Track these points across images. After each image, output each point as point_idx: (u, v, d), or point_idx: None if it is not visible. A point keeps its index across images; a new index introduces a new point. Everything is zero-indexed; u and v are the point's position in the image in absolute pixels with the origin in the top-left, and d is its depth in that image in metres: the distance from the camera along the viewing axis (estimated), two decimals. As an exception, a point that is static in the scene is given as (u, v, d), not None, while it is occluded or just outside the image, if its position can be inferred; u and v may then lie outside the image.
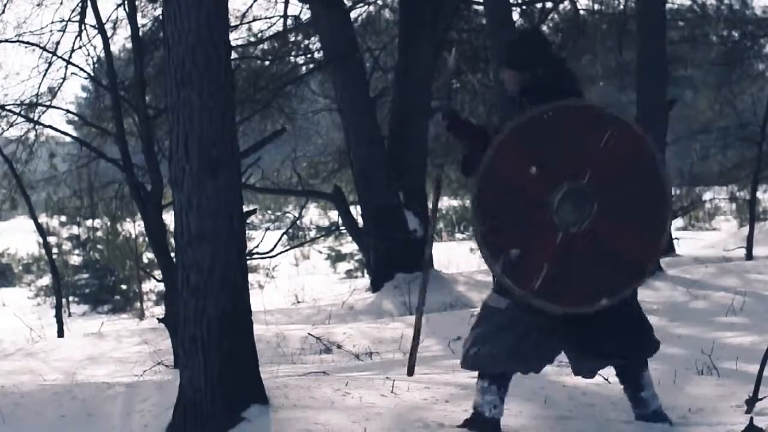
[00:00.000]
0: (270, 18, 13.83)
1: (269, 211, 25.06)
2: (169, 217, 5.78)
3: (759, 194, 16.16)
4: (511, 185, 3.79)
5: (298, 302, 13.93)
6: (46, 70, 10.69)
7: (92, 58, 10.84)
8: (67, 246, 19.83)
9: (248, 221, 4.71)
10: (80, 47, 10.31)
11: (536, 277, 3.76)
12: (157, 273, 11.14)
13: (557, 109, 3.82)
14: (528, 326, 3.91)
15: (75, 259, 19.34)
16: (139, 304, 17.22)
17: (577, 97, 4.00)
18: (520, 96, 4.02)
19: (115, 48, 12.93)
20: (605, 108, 3.90)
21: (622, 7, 14.78)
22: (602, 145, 3.78)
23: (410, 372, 4.61)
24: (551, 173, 3.77)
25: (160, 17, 6.19)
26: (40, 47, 10.15)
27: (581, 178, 3.77)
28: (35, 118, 10.49)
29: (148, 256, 17.38)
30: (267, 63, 13.78)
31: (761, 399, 4.35)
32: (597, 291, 3.81)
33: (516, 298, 3.82)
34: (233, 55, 6.80)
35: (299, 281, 17.02)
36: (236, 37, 13.33)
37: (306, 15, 13.65)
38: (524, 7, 14.83)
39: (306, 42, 14.44)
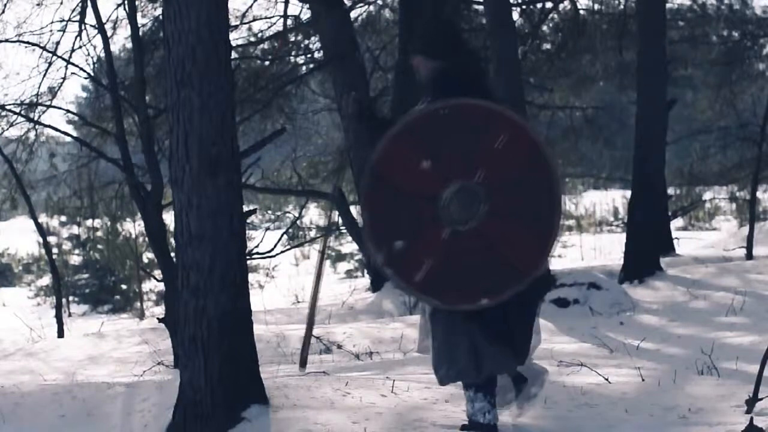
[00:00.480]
0: (270, 18, 13.84)
1: (269, 211, 25.03)
2: (169, 217, 5.78)
3: (759, 194, 16.16)
4: (401, 178, 3.77)
5: (298, 302, 13.93)
6: (46, 70, 10.69)
7: (92, 58, 10.84)
8: (67, 246, 19.82)
9: (248, 221, 4.71)
10: (80, 47, 10.31)
11: (418, 271, 3.75)
12: (157, 273, 11.15)
13: (455, 107, 3.79)
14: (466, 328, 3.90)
15: (75, 259, 19.33)
16: (139, 304, 17.22)
17: (484, 94, 3.94)
18: (430, 85, 3.96)
19: (115, 48, 12.93)
20: (504, 109, 3.87)
21: (622, 7, 14.79)
22: (497, 146, 3.76)
23: (303, 364, 4.53)
24: (443, 169, 3.76)
25: (160, 17, 6.18)
26: (40, 47, 10.15)
27: (473, 177, 3.75)
28: (35, 118, 10.48)
29: (148, 256, 17.36)
30: (267, 63, 13.77)
31: (761, 399, 4.35)
32: (479, 290, 3.80)
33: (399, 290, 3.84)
34: (233, 55, 6.79)
35: (299, 281, 17.02)
36: (236, 37, 13.34)
37: (306, 15, 13.65)
38: (524, 7, 14.82)
39: (306, 42, 14.44)
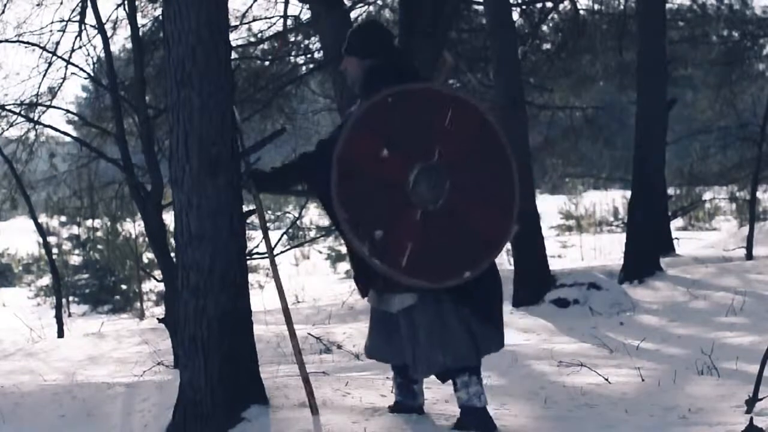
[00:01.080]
0: (270, 18, 13.83)
1: (269, 211, 25.05)
2: (169, 217, 5.78)
3: (759, 194, 16.18)
4: (365, 170, 3.88)
5: (298, 302, 13.93)
6: (46, 70, 10.67)
7: (92, 58, 10.82)
8: (67, 246, 19.83)
9: (248, 221, 4.69)
10: (80, 47, 10.29)
11: (402, 255, 3.85)
12: (157, 273, 11.15)
13: (399, 93, 3.90)
14: (390, 322, 4.08)
15: (75, 259, 19.34)
16: (139, 304, 17.22)
17: (416, 81, 4.08)
18: (363, 82, 4.10)
19: (115, 48, 12.93)
20: (443, 88, 4.01)
21: (622, 7, 14.79)
22: (447, 123, 3.89)
23: (314, 411, 4.32)
24: (402, 154, 3.87)
25: (160, 17, 6.18)
26: (40, 47, 10.13)
27: (432, 157, 3.88)
28: (35, 118, 10.47)
29: (148, 256, 17.37)
30: (267, 63, 13.77)
31: (761, 399, 4.35)
32: (459, 265, 3.90)
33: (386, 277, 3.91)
34: (233, 55, 6.78)
35: (299, 281, 17.02)
36: (236, 37, 13.33)
37: (306, 15, 13.64)
38: (524, 7, 14.82)
39: (306, 42, 14.44)
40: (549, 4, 14.98)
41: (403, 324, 4.03)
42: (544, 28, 15.50)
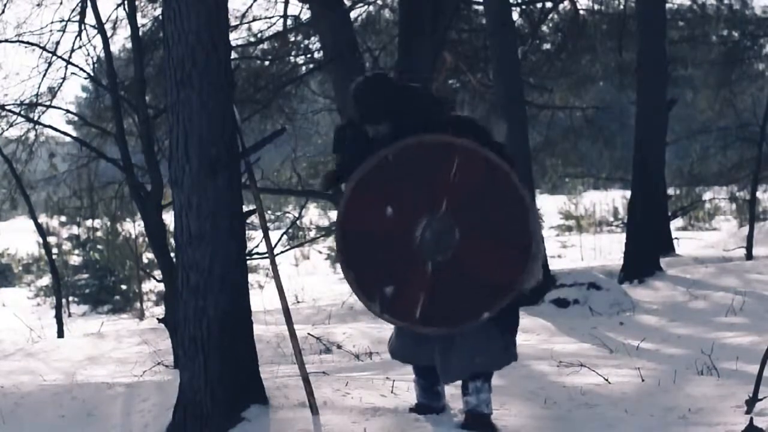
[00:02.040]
0: (270, 18, 13.83)
1: (269, 211, 25.04)
2: (169, 217, 5.78)
3: (759, 194, 16.17)
4: (371, 228, 3.90)
5: (298, 302, 13.92)
6: (46, 70, 10.67)
7: (92, 58, 10.81)
8: (67, 246, 19.83)
9: (248, 221, 4.69)
10: (80, 47, 10.29)
11: (415, 307, 3.88)
12: (157, 273, 11.14)
13: (399, 149, 3.88)
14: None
15: (75, 259, 19.33)
16: (139, 305, 17.22)
17: (445, 124, 3.96)
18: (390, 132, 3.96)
19: (115, 48, 12.93)
20: (449, 138, 3.89)
21: (622, 7, 14.78)
22: (453, 173, 3.84)
23: (314, 411, 4.34)
24: (407, 210, 3.87)
25: (160, 17, 6.17)
26: (40, 47, 10.12)
27: (439, 209, 3.86)
28: (35, 118, 10.47)
29: (148, 256, 17.37)
30: (267, 63, 13.77)
31: (761, 399, 4.35)
32: (477, 308, 3.91)
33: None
34: (233, 55, 6.78)
35: (299, 281, 17.02)
36: (236, 37, 13.33)
37: (306, 15, 13.65)
38: (524, 7, 14.82)
39: (306, 42, 14.44)
40: (549, 4, 14.99)
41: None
42: (544, 28, 15.50)
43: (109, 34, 8.75)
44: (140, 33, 8.18)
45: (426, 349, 4.08)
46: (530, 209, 3.91)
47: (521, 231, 3.88)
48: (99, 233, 18.62)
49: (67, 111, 10.55)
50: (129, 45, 9.92)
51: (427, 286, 3.88)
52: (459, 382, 4.13)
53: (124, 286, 18.40)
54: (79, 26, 10.19)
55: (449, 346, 3.97)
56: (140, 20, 10.90)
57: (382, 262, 3.91)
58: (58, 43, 10.79)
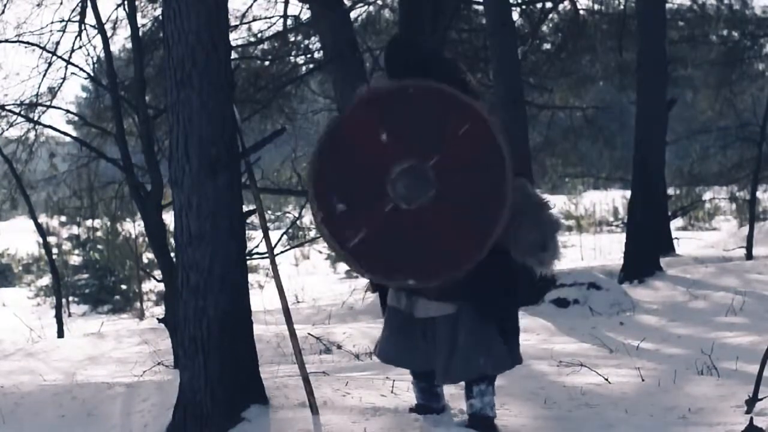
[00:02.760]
0: (270, 18, 13.84)
1: (269, 211, 25.04)
2: (169, 217, 5.78)
3: (759, 194, 16.19)
4: (358, 143, 3.81)
5: (298, 302, 13.93)
6: (46, 70, 10.68)
7: (92, 58, 10.84)
8: (67, 246, 19.82)
9: (248, 221, 4.69)
10: (80, 47, 10.30)
11: (353, 237, 3.78)
12: (157, 273, 11.13)
13: (424, 88, 3.80)
14: (412, 327, 4.02)
15: (75, 259, 19.32)
16: (139, 304, 17.21)
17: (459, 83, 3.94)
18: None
19: (115, 48, 12.93)
20: (474, 102, 3.84)
21: (622, 7, 14.79)
22: (460, 133, 3.76)
23: (314, 411, 4.31)
24: (399, 146, 3.78)
25: (160, 17, 6.18)
26: (40, 47, 10.13)
27: (428, 160, 3.77)
28: (35, 118, 10.47)
29: (148, 256, 17.36)
30: (267, 63, 13.77)
31: (761, 399, 4.35)
32: (407, 271, 3.82)
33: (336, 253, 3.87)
34: (233, 55, 6.78)
35: (299, 281, 17.02)
36: (236, 37, 13.33)
37: (306, 15, 13.65)
38: (524, 7, 14.83)
39: (306, 42, 14.44)
40: (549, 4, 14.99)
41: (442, 329, 3.97)
42: (544, 28, 15.50)
43: (109, 34, 8.75)
44: (140, 33, 8.19)
45: (422, 354, 4.05)
46: (506, 201, 3.77)
47: (492, 218, 3.77)
48: (99, 233, 18.61)
49: (67, 111, 10.57)
50: (129, 45, 9.92)
51: (376, 224, 3.78)
52: (460, 383, 4.12)
53: (124, 286, 18.40)
54: (79, 26, 10.20)
55: (452, 348, 3.95)
56: (140, 20, 10.91)
57: (349, 178, 3.81)
58: (58, 43, 10.80)
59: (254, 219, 4.79)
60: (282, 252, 8.16)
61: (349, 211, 3.79)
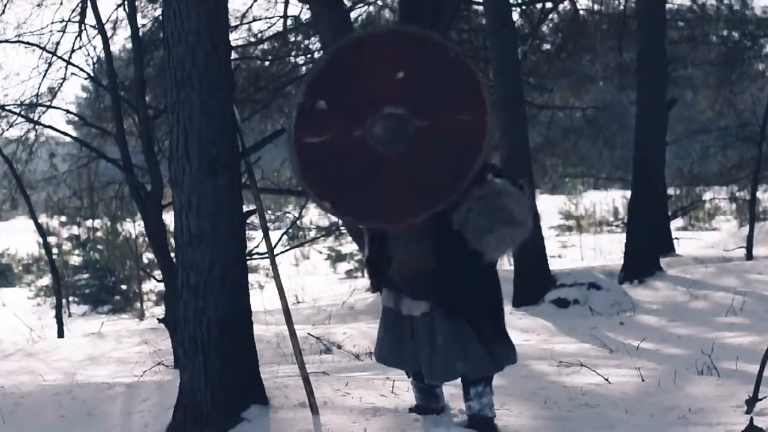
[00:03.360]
0: (270, 18, 13.84)
1: (269, 211, 25.06)
2: (169, 217, 5.78)
3: (759, 194, 16.18)
4: (372, 66, 3.81)
5: (298, 302, 13.93)
6: (46, 71, 10.68)
7: (92, 58, 10.85)
8: (67, 246, 19.83)
9: (248, 221, 4.69)
10: (80, 47, 10.31)
11: (313, 136, 3.80)
12: (157, 273, 11.14)
13: (465, 63, 3.81)
14: (402, 326, 4.04)
15: (75, 260, 19.33)
16: (139, 305, 17.22)
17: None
18: None
19: (115, 48, 12.95)
20: (486, 92, 3.84)
21: (622, 7, 14.78)
22: (457, 119, 3.78)
23: (314, 411, 4.32)
24: (405, 91, 3.79)
25: (160, 17, 6.17)
26: (40, 47, 10.13)
27: (417, 118, 3.79)
28: (35, 118, 10.48)
29: (148, 256, 17.37)
30: (267, 63, 13.77)
31: (761, 399, 4.35)
32: (333, 194, 3.86)
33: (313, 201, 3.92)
34: (233, 55, 6.78)
35: (299, 281, 17.02)
36: (236, 37, 13.34)
37: (306, 15, 13.65)
38: (524, 7, 14.82)
39: (306, 42, 14.44)
40: (549, 4, 14.98)
41: (421, 328, 3.99)
42: (544, 28, 15.50)
43: (109, 34, 8.76)
44: (140, 33, 8.18)
45: (411, 353, 4.06)
46: (458, 191, 3.80)
47: (439, 196, 3.79)
48: (99, 233, 18.62)
49: (67, 111, 10.56)
50: (129, 45, 9.93)
51: (338, 139, 3.80)
52: (461, 384, 4.12)
53: (124, 286, 18.40)
54: (79, 26, 10.21)
55: (432, 348, 3.96)
56: (140, 20, 10.90)
57: (344, 91, 3.82)
58: (58, 43, 10.82)
59: (254, 219, 4.80)
60: (282, 252, 8.17)
61: (327, 112, 3.80)
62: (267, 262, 17.37)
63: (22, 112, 10.31)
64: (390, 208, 3.84)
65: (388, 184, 3.82)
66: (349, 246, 21.08)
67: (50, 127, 9.66)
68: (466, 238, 3.82)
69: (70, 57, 10.31)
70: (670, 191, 15.87)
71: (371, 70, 3.82)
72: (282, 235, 8.46)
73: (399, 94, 3.80)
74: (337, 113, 3.81)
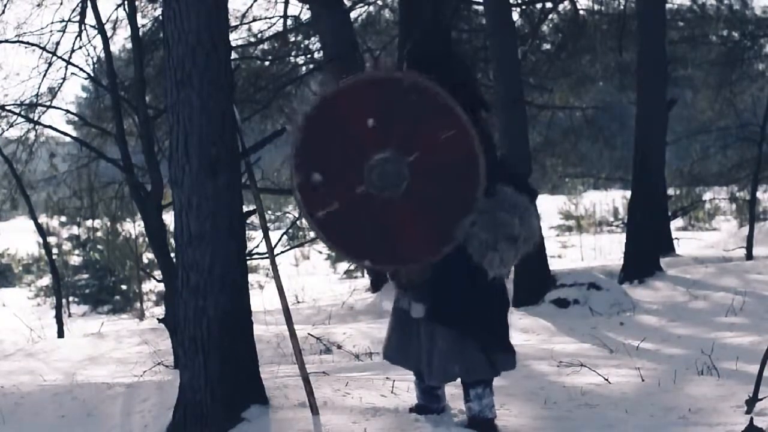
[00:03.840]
0: (270, 18, 13.86)
1: (269, 211, 25.05)
2: (169, 217, 5.78)
3: (759, 194, 16.18)
4: (344, 123, 3.85)
5: (298, 302, 13.93)
6: (46, 71, 10.69)
7: (92, 58, 10.86)
8: (67, 246, 19.83)
9: (248, 221, 4.69)
10: (80, 47, 10.32)
11: (324, 208, 3.88)
12: (157, 273, 11.14)
13: (420, 85, 3.81)
14: (410, 326, 4.05)
15: (75, 260, 19.34)
16: (139, 305, 17.22)
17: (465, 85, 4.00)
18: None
19: (115, 48, 12.95)
20: (463, 114, 3.81)
21: (622, 7, 14.78)
22: (442, 138, 3.79)
23: (314, 411, 4.32)
24: (384, 134, 3.82)
25: (160, 17, 6.18)
26: (40, 47, 10.14)
27: (407, 155, 3.81)
28: (35, 119, 10.48)
29: (148, 256, 17.37)
30: (267, 63, 13.78)
31: (761, 399, 4.35)
32: (366, 251, 3.96)
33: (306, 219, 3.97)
34: (233, 55, 6.79)
35: (299, 281, 17.02)
36: (236, 37, 13.36)
37: (306, 15, 13.67)
38: (524, 7, 14.83)
39: (306, 42, 14.46)
40: (549, 4, 14.99)
41: (424, 330, 4.00)
42: (544, 28, 15.50)
43: (109, 34, 8.76)
44: (140, 33, 8.19)
45: (415, 352, 4.06)
46: (468, 212, 3.81)
47: (450, 227, 3.81)
48: (99, 233, 18.62)
49: (67, 111, 10.57)
50: (129, 45, 9.94)
51: (347, 202, 3.86)
52: (460, 385, 4.12)
53: (124, 286, 18.41)
54: (79, 27, 10.22)
55: (432, 350, 3.97)
56: (140, 20, 10.92)
57: (331, 151, 3.87)
58: (58, 43, 10.82)
59: (254, 219, 4.79)
60: (282, 252, 8.17)
61: (325, 183, 3.87)
62: (267, 262, 17.33)
63: (22, 112, 10.32)
64: (412, 248, 3.90)
65: (404, 226, 3.87)
66: (349, 246, 21.02)
67: (50, 127, 9.66)
68: (469, 252, 3.83)
69: (70, 57, 10.32)
70: (670, 191, 15.87)
71: (346, 126, 3.86)
72: (282, 235, 8.46)
73: (378, 138, 3.83)
74: (333, 180, 3.87)
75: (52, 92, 11.03)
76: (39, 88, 10.75)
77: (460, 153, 3.80)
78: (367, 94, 3.87)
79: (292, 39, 14.21)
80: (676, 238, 15.65)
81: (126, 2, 7.69)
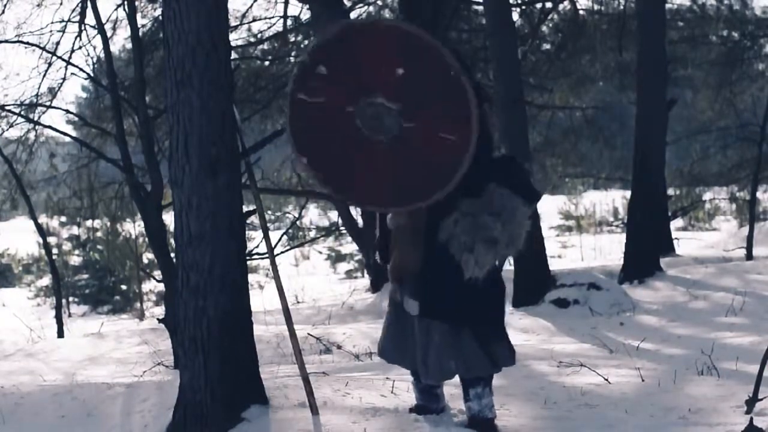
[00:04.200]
0: (270, 18, 13.85)
1: (269, 211, 25.06)
2: (169, 217, 5.78)
3: (759, 194, 16.19)
4: (373, 56, 3.84)
5: (298, 302, 13.94)
6: (46, 71, 10.70)
7: (92, 58, 10.85)
8: (67, 246, 19.84)
9: (248, 221, 4.69)
10: (80, 47, 10.32)
11: (309, 96, 3.90)
12: (157, 273, 11.15)
13: (452, 70, 3.78)
14: (406, 324, 4.05)
15: (75, 260, 19.35)
16: (139, 305, 17.23)
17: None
18: None
19: (115, 48, 12.95)
20: (468, 85, 3.79)
21: (622, 7, 14.78)
22: (443, 127, 3.78)
23: (314, 411, 4.32)
24: (399, 92, 3.82)
25: (160, 17, 6.17)
26: (40, 47, 10.15)
27: (407, 122, 3.82)
28: (35, 119, 10.49)
29: (148, 256, 17.38)
30: (267, 63, 13.78)
31: (761, 399, 4.35)
32: (325, 169, 3.97)
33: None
34: (233, 55, 6.80)
35: (299, 281, 17.02)
36: (236, 37, 13.35)
37: (306, 15, 13.66)
38: (524, 7, 14.82)
39: (306, 42, 14.45)
40: (549, 4, 14.98)
41: (419, 327, 3.99)
42: (544, 28, 15.50)
43: (109, 34, 8.77)
44: (140, 33, 8.19)
45: (411, 351, 4.06)
46: (452, 182, 3.80)
47: (443, 179, 3.80)
48: (99, 233, 18.63)
49: (67, 111, 10.58)
50: (129, 45, 9.94)
51: (333, 106, 3.87)
52: (460, 385, 4.12)
53: (124, 286, 18.41)
54: (79, 27, 10.22)
55: (428, 347, 3.97)
56: (140, 20, 10.92)
57: (348, 68, 3.87)
58: (58, 43, 10.82)
59: (254, 219, 4.79)
60: (282, 252, 8.19)
61: (324, 77, 3.88)
62: (267, 262, 17.35)
63: (22, 112, 10.33)
64: (361, 189, 3.96)
65: (365, 166, 3.91)
66: (349, 246, 21.09)
67: (50, 127, 9.67)
68: (451, 252, 3.83)
69: (70, 57, 10.32)
70: (670, 191, 15.87)
71: (375, 57, 3.85)
72: (282, 235, 8.48)
73: (394, 90, 3.83)
74: (334, 83, 3.88)
75: (52, 92, 11.03)
76: (39, 88, 10.76)
77: (448, 154, 3.80)
78: (413, 48, 3.82)
79: (292, 39, 14.20)
80: (676, 238, 15.65)
81: (126, 2, 7.70)
